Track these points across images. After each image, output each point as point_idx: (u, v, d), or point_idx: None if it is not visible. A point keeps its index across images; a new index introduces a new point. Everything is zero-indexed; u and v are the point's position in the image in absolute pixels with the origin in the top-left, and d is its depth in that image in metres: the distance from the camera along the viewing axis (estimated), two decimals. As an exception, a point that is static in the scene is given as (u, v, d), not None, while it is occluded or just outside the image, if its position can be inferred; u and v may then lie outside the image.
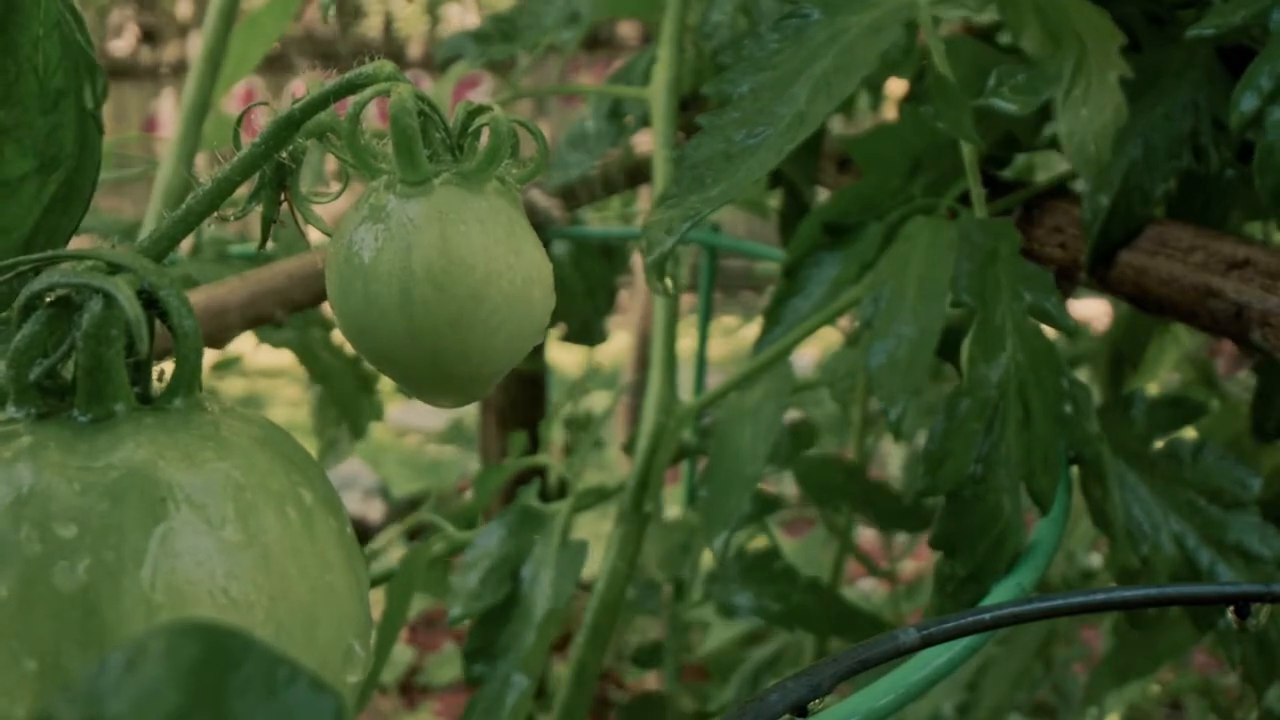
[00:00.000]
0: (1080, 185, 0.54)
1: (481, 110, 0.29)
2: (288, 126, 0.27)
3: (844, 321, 0.79)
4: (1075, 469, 0.49)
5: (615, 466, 1.74)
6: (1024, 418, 0.44)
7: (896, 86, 0.79)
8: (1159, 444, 0.53)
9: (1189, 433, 0.54)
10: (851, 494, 0.81)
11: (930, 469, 0.42)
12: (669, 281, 0.44)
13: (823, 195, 0.71)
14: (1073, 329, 0.47)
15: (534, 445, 0.92)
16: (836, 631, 0.72)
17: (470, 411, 2.24)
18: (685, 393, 0.59)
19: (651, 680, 1.23)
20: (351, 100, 0.28)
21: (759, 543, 0.77)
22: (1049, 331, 0.47)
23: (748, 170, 0.43)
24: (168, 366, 0.24)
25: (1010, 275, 0.46)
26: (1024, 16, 0.50)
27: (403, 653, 1.90)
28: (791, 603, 0.70)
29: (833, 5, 0.48)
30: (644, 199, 1.05)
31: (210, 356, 0.84)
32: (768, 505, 0.73)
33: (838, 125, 0.90)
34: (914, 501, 0.81)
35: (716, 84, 0.47)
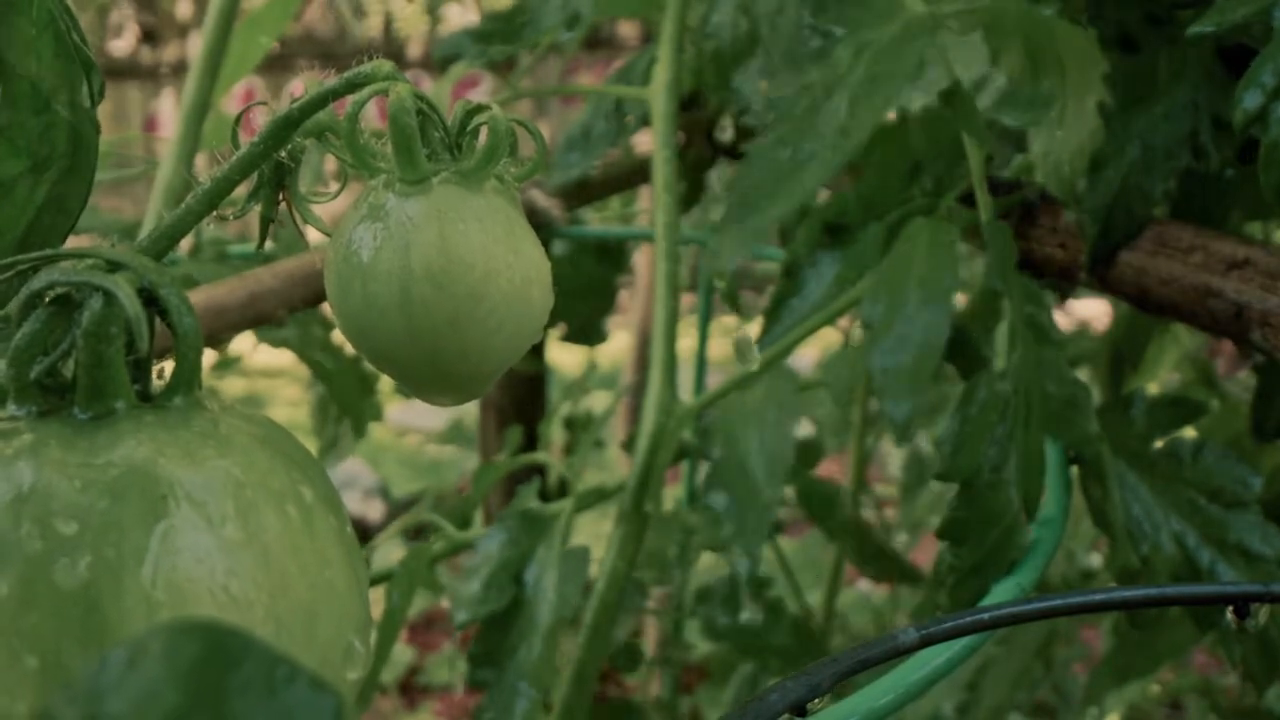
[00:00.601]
0: (1080, 186, 0.54)
1: (480, 109, 0.29)
2: (286, 126, 0.27)
3: (844, 321, 0.80)
4: (1075, 469, 0.49)
5: (615, 466, 1.74)
6: (1025, 422, 0.45)
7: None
8: (1159, 444, 0.53)
9: (1189, 432, 0.54)
10: (845, 535, 0.82)
11: (947, 455, 0.43)
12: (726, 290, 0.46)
13: (823, 195, 0.71)
14: (1061, 344, 0.47)
15: (533, 445, 0.93)
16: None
17: (470, 411, 2.24)
18: (685, 393, 0.59)
19: (652, 684, 1.23)
20: (350, 100, 0.28)
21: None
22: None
23: (798, 186, 0.44)
24: (167, 365, 0.24)
25: (1015, 281, 0.47)
26: (1007, 38, 0.50)
27: (403, 653, 1.90)
28: (774, 640, 0.71)
29: (854, 21, 0.48)
30: (644, 199, 1.05)
31: (210, 356, 0.84)
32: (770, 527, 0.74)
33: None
34: (899, 557, 0.83)
35: (759, 117, 0.48)
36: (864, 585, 1.72)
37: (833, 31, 0.48)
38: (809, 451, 0.81)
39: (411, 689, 1.90)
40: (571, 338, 0.90)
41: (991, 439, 0.43)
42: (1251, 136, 0.44)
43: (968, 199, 0.55)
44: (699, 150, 0.77)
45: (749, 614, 0.72)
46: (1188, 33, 0.46)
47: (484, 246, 0.28)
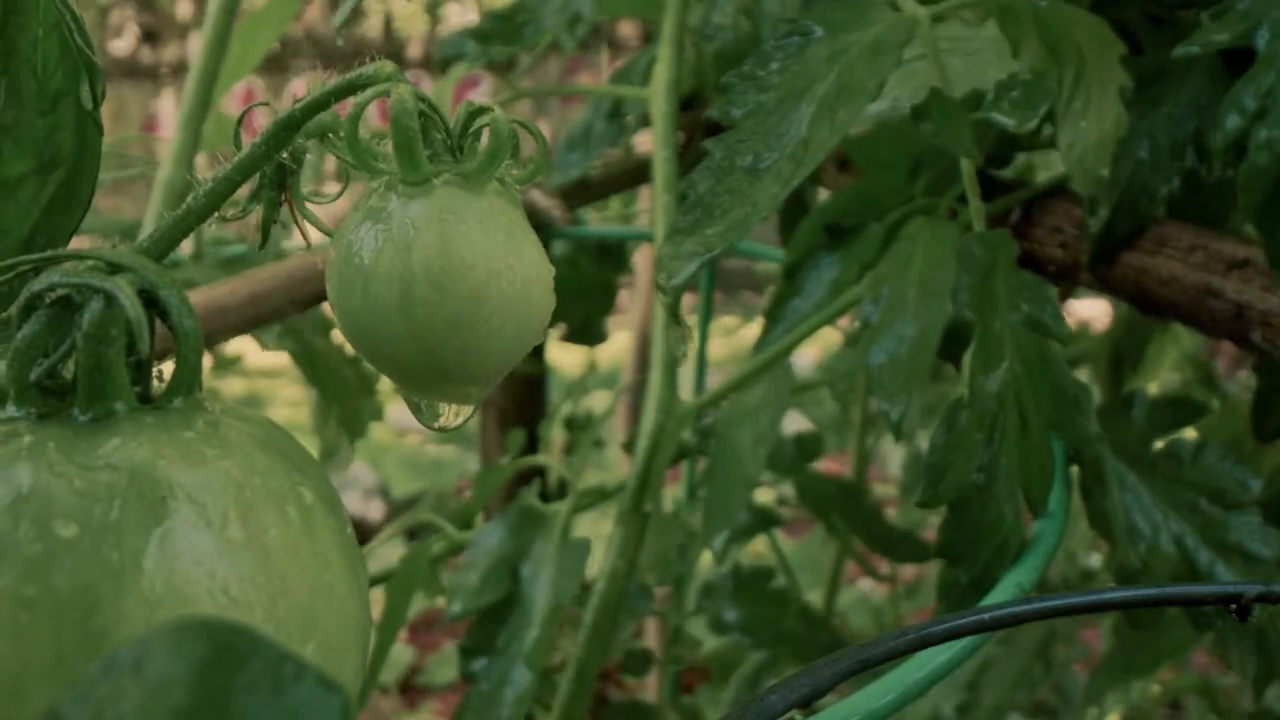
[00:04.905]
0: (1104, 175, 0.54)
1: (482, 111, 0.29)
2: (288, 127, 0.27)
3: (844, 321, 0.80)
4: (1075, 469, 0.49)
5: (615, 466, 1.74)
6: (1021, 427, 0.44)
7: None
8: (1159, 444, 0.53)
9: (1189, 433, 0.54)
10: (849, 516, 0.82)
11: (932, 480, 0.43)
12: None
13: (823, 195, 0.71)
14: (1068, 339, 0.47)
15: (534, 445, 0.93)
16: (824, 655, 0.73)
17: (470, 411, 2.23)
18: (685, 393, 0.59)
19: (650, 684, 1.23)
20: (352, 101, 0.28)
21: (758, 547, 0.78)
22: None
23: (756, 204, 0.43)
24: (167, 367, 0.24)
25: (1008, 287, 0.47)
26: (1024, 29, 0.50)
27: (403, 653, 1.90)
28: (781, 627, 0.71)
29: (834, 22, 0.48)
30: (644, 199, 1.05)
31: (210, 357, 0.84)
32: (768, 519, 0.74)
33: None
34: (907, 533, 0.82)
35: (721, 106, 0.47)
36: (864, 585, 1.72)
37: (812, 30, 0.48)
38: (810, 444, 0.81)
39: (411, 689, 1.90)
40: (571, 338, 0.90)
41: (977, 458, 0.43)
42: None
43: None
44: (699, 150, 0.77)
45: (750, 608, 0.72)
46: (1173, 53, 0.46)
47: (485, 248, 0.28)
